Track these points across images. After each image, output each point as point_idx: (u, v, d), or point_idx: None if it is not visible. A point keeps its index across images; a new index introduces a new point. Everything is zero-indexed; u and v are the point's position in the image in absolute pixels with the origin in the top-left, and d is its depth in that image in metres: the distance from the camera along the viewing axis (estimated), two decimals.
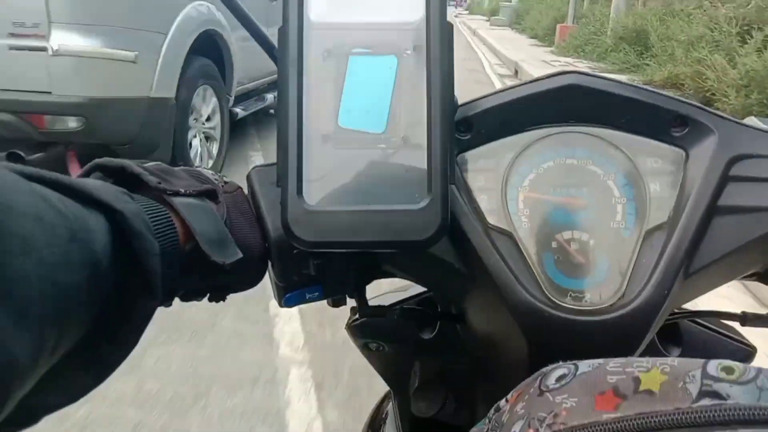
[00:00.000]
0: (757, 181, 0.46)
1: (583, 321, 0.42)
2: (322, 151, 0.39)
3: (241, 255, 0.43)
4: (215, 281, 0.45)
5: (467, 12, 42.37)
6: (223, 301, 0.47)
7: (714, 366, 0.27)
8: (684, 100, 0.49)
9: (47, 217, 0.29)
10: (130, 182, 0.40)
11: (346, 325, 0.63)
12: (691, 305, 0.56)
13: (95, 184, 0.35)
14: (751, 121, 0.52)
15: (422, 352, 0.62)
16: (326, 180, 0.39)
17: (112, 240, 0.33)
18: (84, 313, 0.31)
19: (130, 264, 0.34)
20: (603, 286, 0.44)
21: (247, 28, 0.52)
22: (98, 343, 0.33)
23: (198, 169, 0.47)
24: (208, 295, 0.47)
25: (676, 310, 0.57)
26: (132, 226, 0.34)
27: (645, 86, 0.49)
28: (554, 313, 0.42)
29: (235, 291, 0.48)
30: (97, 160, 0.41)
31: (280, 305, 0.50)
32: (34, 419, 0.32)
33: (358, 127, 0.40)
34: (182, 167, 0.46)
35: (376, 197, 0.39)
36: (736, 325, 0.59)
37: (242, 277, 0.47)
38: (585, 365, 0.31)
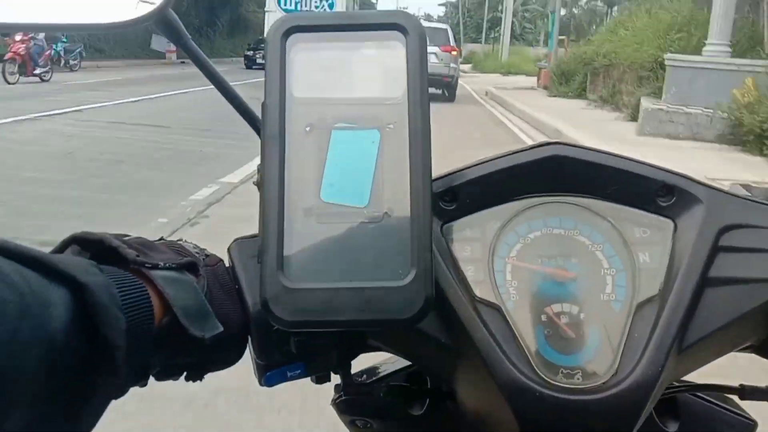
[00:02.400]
0: (747, 252, 0.46)
1: (576, 400, 0.41)
2: (303, 226, 0.39)
3: (221, 329, 0.42)
4: (193, 358, 0.44)
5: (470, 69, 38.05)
6: (200, 380, 0.46)
7: None
8: (670, 169, 0.49)
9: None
10: (109, 256, 0.39)
11: (332, 401, 0.60)
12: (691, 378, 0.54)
13: (61, 258, 0.34)
14: (736, 189, 0.52)
15: (412, 430, 0.60)
16: (307, 255, 0.38)
17: (75, 315, 0.32)
18: (34, 392, 0.30)
19: (94, 340, 0.33)
20: (595, 362, 0.43)
21: (228, 99, 0.52)
22: (55, 421, 0.32)
23: (179, 242, 0.46)
24: (185, 373, 0.45)
25: (673, 384, 0.55)
26: (96, 299, 0.33)
27: (630, 157, 0.50)
28: (545, 392, 0.41)
29: (214, 369, 0.47)
30: (75, 234, 0.40)
31: (260, 384, 0.48)
32: None
33: (340, 201, 0.39)
34: (163, 240, 0.46)
35: (359, 273, 0.38)
36: (735, 398, 0.57)
37: (221, 354, 0.46)
38: None
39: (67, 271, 0.33)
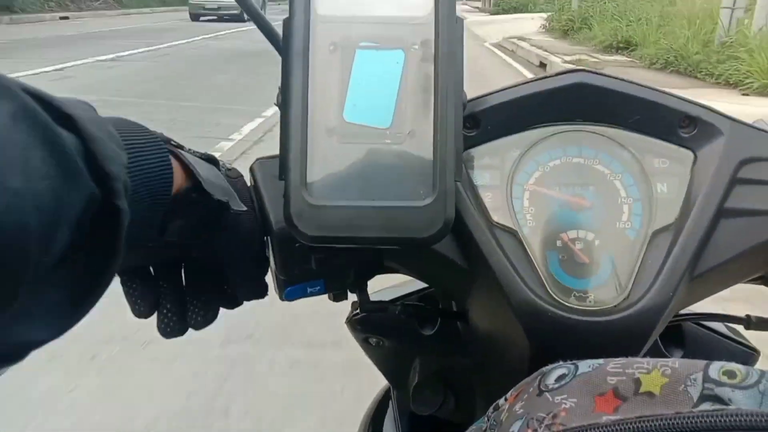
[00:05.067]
0: (766, 184, 0.46)
1: (587, 321, 0.42)
2: (326, 145, 0.39)
3: (245, 207, 0.43)
4: (214, 254, 0.45)
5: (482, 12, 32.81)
6: (239, 305, 0.49)
7: (716, 369, 0.26)
8: (693, 101, 0.49)
9: (2, 120, 0.26)
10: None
11: (347, 319, 0.63)
12: (695, 308, 0.56)
13: (72, 102, 0.33)
14: (761, 123, 0.51)
15: (422, 349, 0.62)
16: (330, 174, 0.39)
17: (83, 154, 0.31)
18: (59, 225, 0.28)
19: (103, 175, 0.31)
20: (607, 287, 0.44)
21: (250, 15, 0.52)
22: (78, 266, 0.31)
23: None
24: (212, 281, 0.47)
25: (680, 312, 0.57)
26: (89, 130, 0.31)
27: (654, 87, 0.49)
28: (557, 313, 0.42)
29: (243, 286, 0.48)
30: (111, 116, 0.40)
31: (281, 299, 0.50)
32: (19, 355, 0.31)
33: (363, 121, 0.39)
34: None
35: (381, 193, 0.39)
36: (740, 328, 0.59)
37: (241, 265, 0.47)
38: (585, 365, 0.30)
39: (65, 108, 0.31)
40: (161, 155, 0.38)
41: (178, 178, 0.39)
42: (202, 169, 0.41)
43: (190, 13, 20.84)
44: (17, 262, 0.27)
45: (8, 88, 0.27)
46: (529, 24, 16.24)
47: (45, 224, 0.27)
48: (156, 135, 0.39)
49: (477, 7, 35.83)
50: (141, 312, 0.46)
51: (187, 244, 0.44)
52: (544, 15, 15.98)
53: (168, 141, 0.40)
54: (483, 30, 16.37)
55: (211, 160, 0.45)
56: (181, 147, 0.42)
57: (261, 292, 0.50)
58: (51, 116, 0.29)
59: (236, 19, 19.21)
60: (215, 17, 20.17)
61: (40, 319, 0.31)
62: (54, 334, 0.32)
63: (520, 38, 12.25)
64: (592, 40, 11.27)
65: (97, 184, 0.31)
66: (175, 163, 0.39)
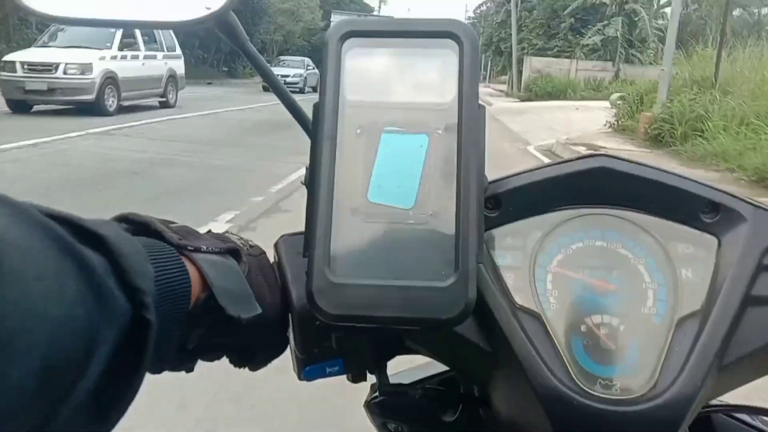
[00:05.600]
0: None
1: (613, 411, 0.41)
2: (350, 224, 0.40)
3: (260, 310, 0.43)
4: (232, 340, 0.45)
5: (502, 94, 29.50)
6: (249, 367, 0.49)
7: None
8: (715, 186, 0.49)
9: (36, 249, 0.27)
10: (153, 238, 0.40)
11: (365, 402, 0.61)
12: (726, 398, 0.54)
13: (99, 223, 0.34)
14: None
15: None
16: (353, 253, 0.39)
17: (112, 272, 0.31)
18: (96, 347, 0.29)
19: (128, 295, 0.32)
20: (634, 375, 0.43)
21: (283, 101, 0.54)
22: (107, 382, 0.31)
23: (226, 233, 0.48)
24: (228, 357, 0.47)
25: (710, 403, 0.55)
26: (121, 250, 0.32)
27: (676, 172, 0.49)
28: (583, 401, 0.41)
29: (257, 360, 0.48)
30: (122, 213, 0.42)
31: (300, 378, 0.49)
32: None
33: (387, 202, 0.40)
34: (209, 232, 0.47)
35: (403, 272, 0.39)
36: None
37: (261, 342, 0.47)
38: None
39: (94, 229, 0.32)
40: (180, 267, 0.39)
41: (196, 287, 0.40)
42: (218, 273, 0.41)
43: (262, 87, 22.57)
44: (62, 389, 0.27)
45: (38, 219, 0.28)
46: (577, 117, 13.08)
47: (83, 350, 0.28)
48: (173, 245, 0.40)
49: (502, 91, 32.20)
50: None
51: (206, 346, 0.44)
52: (596, 105, 12.87)
53: (185, 247, 0.41)
54: (519, 124, 12.64)
55: (231, 251, 0.45)
56: (199, 249, 0.42)
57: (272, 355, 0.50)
58: (79, 238, 0.30)
59: (299, 91, 21.90)
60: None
61: None
62: None
63: (590, 146, 8.49)
64: (713, 158, 7.10)
65: (128, 299, 0.32)
66: (193, 272, 0.40)
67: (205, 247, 0.42)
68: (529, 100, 23.10)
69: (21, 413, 0.25)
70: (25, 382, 0.25)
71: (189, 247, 0.41)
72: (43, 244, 0.27)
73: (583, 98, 20.97)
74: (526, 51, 28.13)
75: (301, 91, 24.26)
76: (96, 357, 0.29)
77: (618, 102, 12.12)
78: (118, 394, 0.32)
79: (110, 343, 0.30)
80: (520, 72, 27.98)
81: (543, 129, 11.03)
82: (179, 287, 0.38)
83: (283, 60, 28.50)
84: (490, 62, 40.04)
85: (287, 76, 24.38)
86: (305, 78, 25.94)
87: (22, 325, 0.24)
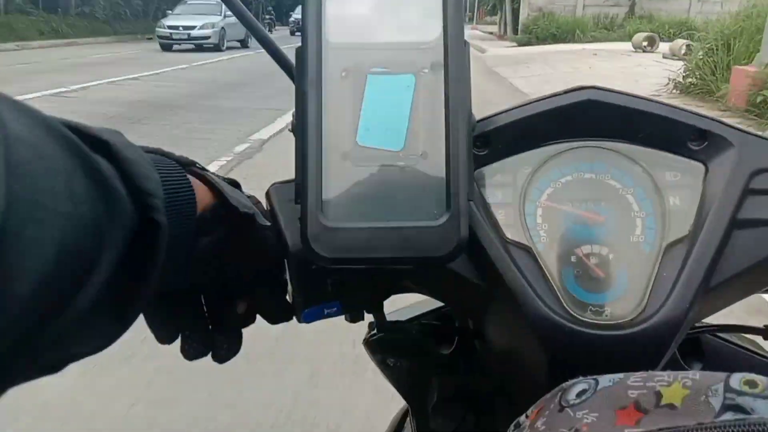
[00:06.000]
0: None
1: (604, 335, 0.42)
2: (341, 169, 0.40)
3: (268, 223, 0.46)
4: (237, 256, 0.46)
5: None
6: (252, 321, 0.49)
7: (737, 380, 0.26)
8: (702, 114, 0.49)
9: (46, 147, 0.28)
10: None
11: (364, 340, 0.63)
12: (713, 319, 0.56)
13: (105, 130, 0.34)
14: None
15: (440, 368, 0.62)
16: (345, 197, 0.40)
17: (118, 176, 0.32)
18: (104, 246, 0.30)
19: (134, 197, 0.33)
20: (623, 301, 0.44)
21: (264, 46, 0.53)
22: (122, 283, 0.32)
23: None
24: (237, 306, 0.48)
25: (697, 325, 0.57)
26: (124, 153, 0.33)
27: (663, 101, 0.50)
28: (574, 328, 0.42)
29: (259, 296, 0.49)
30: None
31: (299, 321, 0.50)
32: (59, 367, 0.32)
33: (376, 144, 0.40)
34: None
35: (395, 214, 0.39)
36: (758, 339, 0.58)
37: (267, 289, 0.49)
38: (605, 380, 0.31)
39: (99, 135, 0.33)
40: (183, 179, 0.39)
41: (204, 197, 0.41)
42: (226, 188, 0.44)
43: (160, 44, 18.29)
44: (73, 283, 0.28)
45: (49, 122, 0.29)
46: (604, 67, 9.55)
47: (93, 247, 0.29)
48: (180, 164, 0.41)
49: (491, 33, 27.76)
50: (163, 338, 0.47)
51: (214, 263, 0.45)
52: (616, 47, 9.65)
53: (193, 164, 0.43)
54: (528, 80, 9.35)
55: (233, 183, 0.47)
56: (205, 170, 0.44)
57: (287, 314, 0.51)
58: (87, 144, 0.31)
59: (214, 49, 18.06)
60: (192, 47, 18.14)
61: (85, 334, 0.32)
62: (97, 348, 0.34)
63: None
64: None
65: (135, 203, 0.32)
66: (200, 183, 0.41)
67: (212, 172, 0.44)
68: (529, 44, 18.92)
69: (38, 298, 0.26)
70: (39, 268, 0.25)
71: (197, 165, 0.43)
72: (53, 143, 0.28)
73: (594, 39, 17.13)
74: None
75: (218, 48, 18.28)
76: (105, 255, 0.30)
77: (670, 49, 8.91)
78: (132, 296, 0.34)
79: (119, 243, 0.31)
80: (515, 11, 23.30)
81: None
82: (185, 194, 0.39)
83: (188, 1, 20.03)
84: (477, 0, 36.91)
85: (192, 27, 17.91)
86: (222, 30, 18.45)
87: (32, 216, 0.25)
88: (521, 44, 19.55)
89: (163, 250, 0.34)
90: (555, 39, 18.63)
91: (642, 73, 8.56)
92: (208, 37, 18.40)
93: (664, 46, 10.24)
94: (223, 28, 18.64)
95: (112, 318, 0.34)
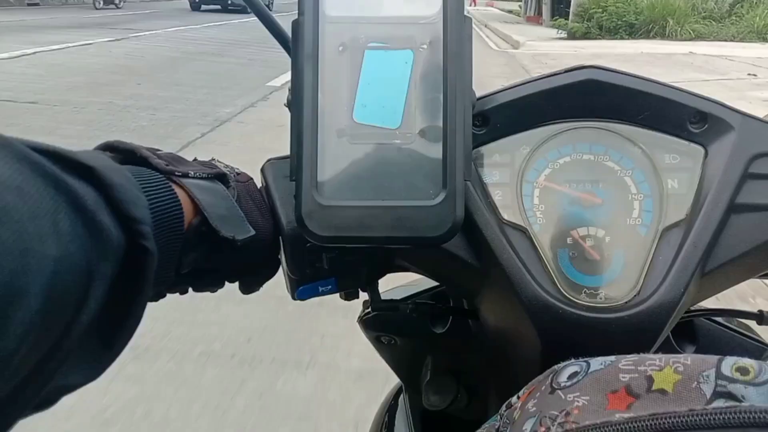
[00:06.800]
0: None
1: (598, 318, 0.42)
2: (336, 146, 0.39)
3: (253, 232, 0.43)
4: (226, 265, 0.46)
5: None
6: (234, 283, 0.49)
7: (728, 366, 0.26)
8: (703, 96, 0.48)
9: (30, 187, 0.27)
10: (139, 165, 0.40)
11: (358, 318, 0.63)
12: (707, 303, 0.56)
13: (79, 151, 0.33)
14: None
15: (434, 347, 0.62)
16: (340, 175, 0.39)
17: (105, 205, 0.31)
18: (93, 282, 0.29)
19: (123, 226, 0.33)
20: (618, 283, 0.44)
21: (259, 17, 0.52)
22: (110, 312, 0.32)
23: (212, 160, 0.48)
24: (226, 281, 0.48)
25: (691, 308, 0.57)
26: (111, 180, 0.32)
27: (664, 82, 0.49)
28: (568, 310, 0.42)
29: (251, 283, 0.49)
30: (108, 141, 0.41)
31: (293, 298, 0.50)
32: (53, 400, 0.32)
33: (373, 122, 0.39)
34: (196, 159, 0.47)
35: (391, 192, 0.39)
36: (752, 324, 0.59)
37: (254, 265, 0.48)
38: (597, 363, 0.31)
39: (87, 162, 0.32)
40: (170, 193, 0.38)
41: (188, 213, 0.40)
42: (209, 197, 0.42)
43: (190, 3, 20.99)
44: (62, 325, 0.28)
45: (31, 158, 0.28)
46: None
47: (81, 285, 0.29)
48: (160, 171, 0.40)
49: (510, 11, 21.73)
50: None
51: (199, 271, 0.44)
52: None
53: (172, 173, 0.41)
54: None
55: (218, 176, 0.45)
56: (187, 174, 0.42)
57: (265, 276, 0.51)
58: (70, 171, 0.30)
59: (242, 10, 18.94)
60: (219, 7, 20.68)
61: (77, 366, 0.32)
62: (90, 378, 0.34)
63: None
64: None
65: (123, 230, 0.32)
66: (183, 197, 0.40)
67: (192, 173, 0.42)
68: (587, 36, 12.63)
69: (25, 351, 0.26)
70: (27, 321, 0.25)
71: (177, 173, 0.41)
72: (35, 182, 0.27)
73: (697, 35, 11.24)
74: None
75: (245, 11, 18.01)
76: (93, 291, 0.29)
77: None
78: (121, 323, 0.33)
79: (108, 276, 0.31)
80: None
81: None
82: (172, 213, 0.38)
83: None
84: None
85: None
86: None
87: (20, 265, 0.24)
88: (575, 35, 12.96)
89: (151, 277, 0.33)
90: (632, 31, 12.49)
91: None
92: None
93: None
94: None
95: (101, 347, 0.33)
